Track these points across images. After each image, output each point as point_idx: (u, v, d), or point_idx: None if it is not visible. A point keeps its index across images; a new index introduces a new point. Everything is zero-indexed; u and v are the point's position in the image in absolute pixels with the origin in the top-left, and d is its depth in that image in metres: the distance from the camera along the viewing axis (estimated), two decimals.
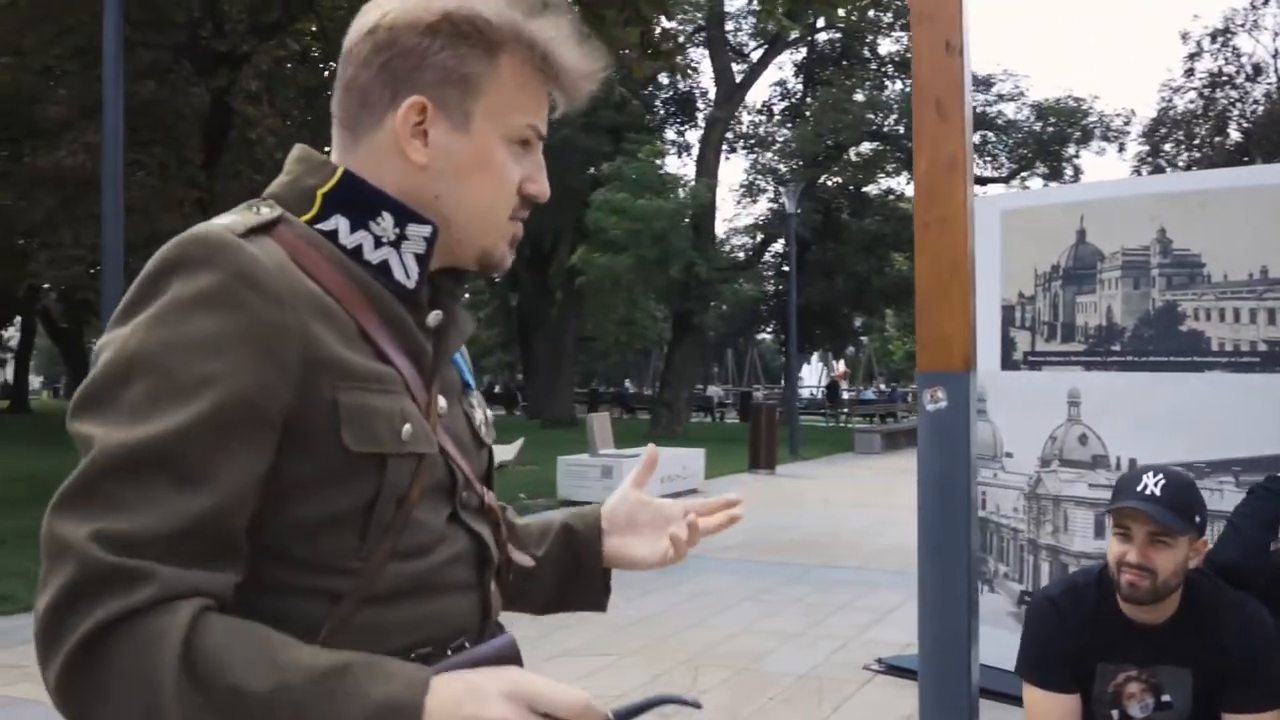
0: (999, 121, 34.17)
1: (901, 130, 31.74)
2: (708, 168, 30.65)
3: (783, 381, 42.78)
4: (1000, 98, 34.30)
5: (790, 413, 25.89)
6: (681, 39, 32.44)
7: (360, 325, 1.14)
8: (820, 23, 32.14)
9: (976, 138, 33.91)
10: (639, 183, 26.98)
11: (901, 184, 35.60)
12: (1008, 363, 6.24)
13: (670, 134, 38.62)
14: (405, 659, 1.07)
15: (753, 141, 37.81)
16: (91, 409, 1.04)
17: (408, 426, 1.14)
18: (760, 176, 37.16)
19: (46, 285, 21.29)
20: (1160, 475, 2.68)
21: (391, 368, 1.16)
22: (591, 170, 28.76)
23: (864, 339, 56.57)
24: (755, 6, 22.51)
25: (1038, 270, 6.11)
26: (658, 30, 15.01)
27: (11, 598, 8.03)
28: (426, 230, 1.20)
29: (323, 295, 1.12)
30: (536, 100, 1.25)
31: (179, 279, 1.06)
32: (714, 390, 46.66)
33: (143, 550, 0.97)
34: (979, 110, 33.85)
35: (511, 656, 1.14)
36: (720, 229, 37.50)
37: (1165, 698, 2.76)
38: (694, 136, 36.29)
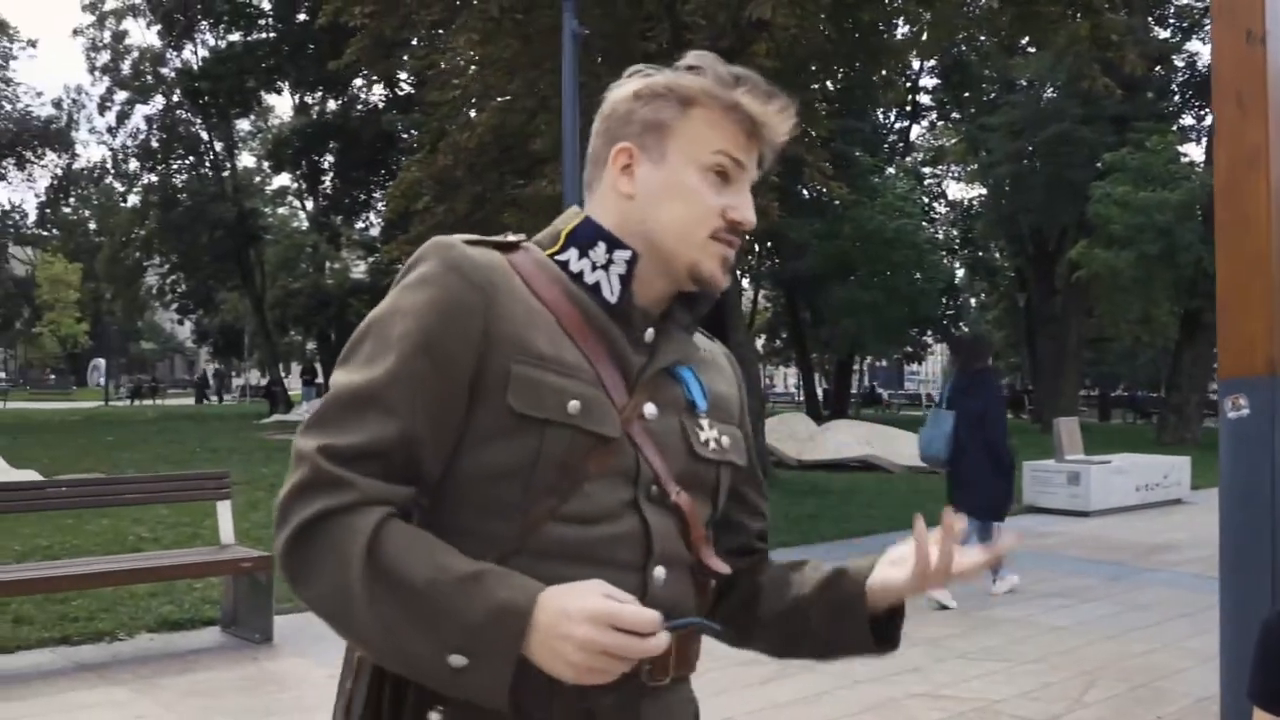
0: None
1: None
2: None
3: None
4: None
5: None
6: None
7: (565, 328, 1.39)
8: None
9: None
10: (1142, 173, 25.47)
11: None
12: None
13: (1188, 119, 36.01)
14: None
15: None
16: (342, 363, 1.39)
17: (575, 403, 1.35)
18: None
19: None
20: None
21: (586, 363, 1.39)
22: (1099, 164, 27.47)
23: None
24: None
25: None
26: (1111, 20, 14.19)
27: None
28: (627, 254, 1.45)
29: (529, 297, 1.39)
30: (731, 137, 1.46)
31: (413, 270, 1.39)
32: None
33: (351, 463, 1.29)
34: None
35: None
36: None
37: None
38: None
